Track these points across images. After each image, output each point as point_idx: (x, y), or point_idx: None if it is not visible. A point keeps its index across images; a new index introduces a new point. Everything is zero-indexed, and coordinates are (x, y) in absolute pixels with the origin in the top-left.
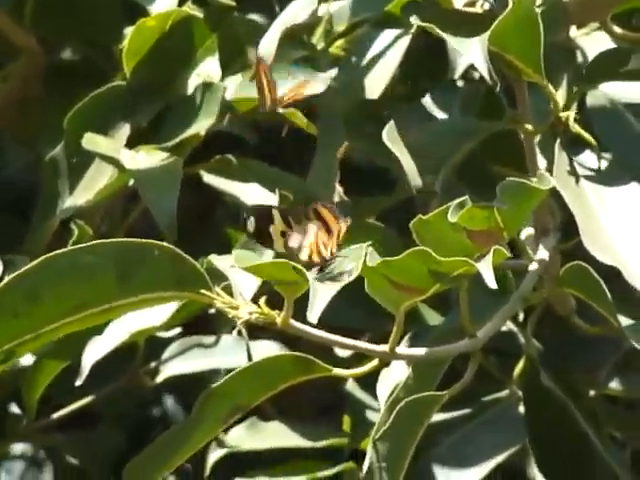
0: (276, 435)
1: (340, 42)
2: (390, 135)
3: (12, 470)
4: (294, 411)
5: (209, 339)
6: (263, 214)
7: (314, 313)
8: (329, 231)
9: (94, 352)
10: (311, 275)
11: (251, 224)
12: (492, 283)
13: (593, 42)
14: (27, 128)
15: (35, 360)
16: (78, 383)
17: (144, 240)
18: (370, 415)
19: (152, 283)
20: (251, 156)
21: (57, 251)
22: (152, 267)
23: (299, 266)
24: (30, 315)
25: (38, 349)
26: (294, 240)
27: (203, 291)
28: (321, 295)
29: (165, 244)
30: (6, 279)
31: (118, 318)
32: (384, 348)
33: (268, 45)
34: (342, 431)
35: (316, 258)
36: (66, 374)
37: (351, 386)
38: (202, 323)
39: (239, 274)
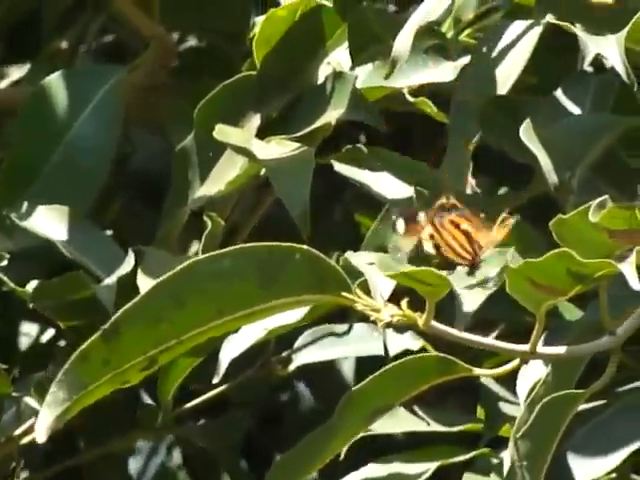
0: (410, 420)
1: (469, 30)
2: (527, 132)
3: (141, 450)
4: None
5: (341, 327)
6: (408, 214)
7: (461, 321)
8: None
9: (231, 350)
10: (454, 279)
11: (400, 226)
12: (636, 285)
13: None
14: (156, 116)
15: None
16: (216, 380)
17: (284, 244)
18: (503, 407)
19: (293, 287)
20: (381, 145)
21: (200, 257)
22: (293, 271)
23: (443, 274)
24: (174, 321)
25: None
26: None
27: (344, 294)
28: (468, 302)
29: (305, 247)
30: (150, 286)
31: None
32: (525, 348)
33: (403, 44)
34: (474, 417)
35: (462, 260)
36: (200, 363)
37: (484, 378)
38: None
39: (377, 273)
